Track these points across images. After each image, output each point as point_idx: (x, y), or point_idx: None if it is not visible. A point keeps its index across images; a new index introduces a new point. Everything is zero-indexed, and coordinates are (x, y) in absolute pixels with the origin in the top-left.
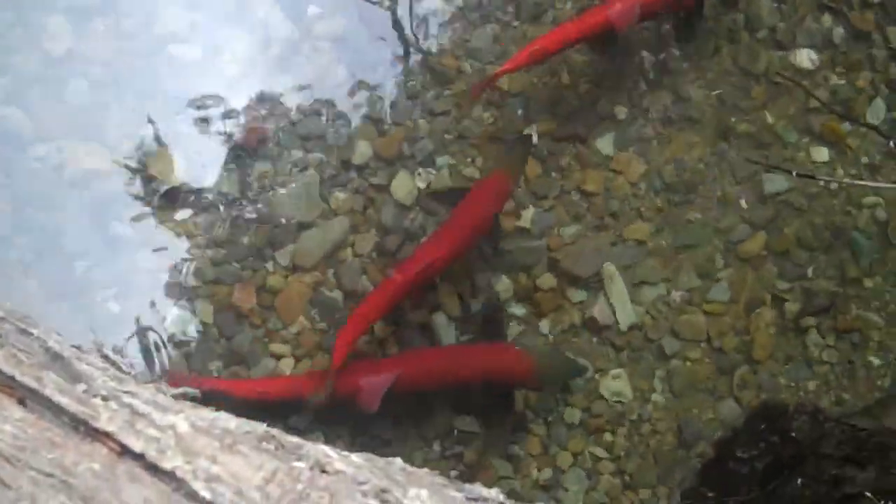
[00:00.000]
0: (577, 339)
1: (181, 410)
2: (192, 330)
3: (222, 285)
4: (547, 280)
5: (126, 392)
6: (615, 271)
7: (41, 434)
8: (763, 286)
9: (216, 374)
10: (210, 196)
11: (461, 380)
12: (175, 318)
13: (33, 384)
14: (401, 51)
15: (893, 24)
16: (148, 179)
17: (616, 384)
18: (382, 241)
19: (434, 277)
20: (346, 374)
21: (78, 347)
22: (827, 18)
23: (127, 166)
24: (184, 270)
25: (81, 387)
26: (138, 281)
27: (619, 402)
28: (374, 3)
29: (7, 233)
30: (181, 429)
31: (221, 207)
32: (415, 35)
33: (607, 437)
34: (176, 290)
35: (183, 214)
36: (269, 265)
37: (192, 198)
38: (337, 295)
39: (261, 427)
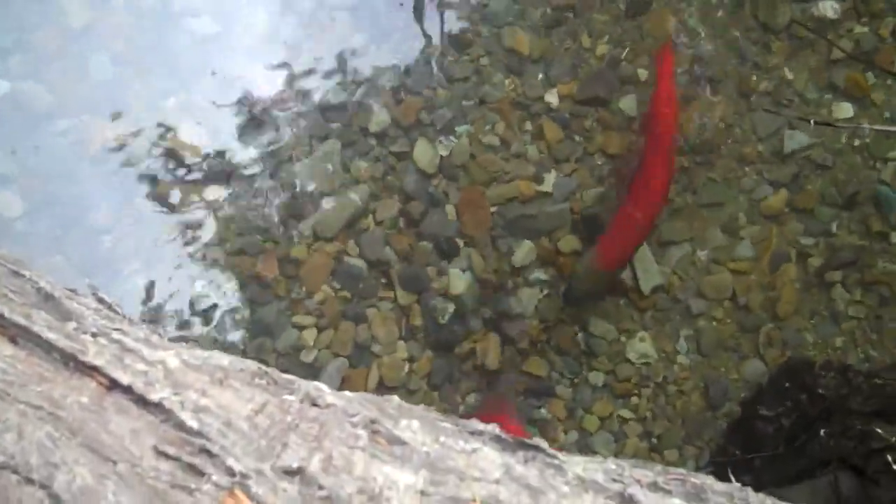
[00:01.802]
0: (602, 301)
1: (172, 348)
2: (218, 301)
3: (246, 256)
4: (570, 242)
5: (116, 329)
6: None
7: (31, 369)
8: (787, 242)
9: (241, 345)
10: (231, 168)
11: None
12: (200, 290)
13: (23, 321)
14: (417, 17)
15: None
16: (169, 153)
17: (641, 346)
18: (405, 208)
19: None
20: None
21: (73, 290)
22: None
23: (151, 138)
24: (208, 242)
25: (72, 324)
26: (163, 254)
27: (646, 363)
28: None
29: (33, 207)
30: (171, 364)
31: (243, 179)
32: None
33: (633, 399)
34: (200, 261)
35: (204, 186)
36: (292, 235)
37: (214, 170)
38: (360, 263)
39: (254, 365)
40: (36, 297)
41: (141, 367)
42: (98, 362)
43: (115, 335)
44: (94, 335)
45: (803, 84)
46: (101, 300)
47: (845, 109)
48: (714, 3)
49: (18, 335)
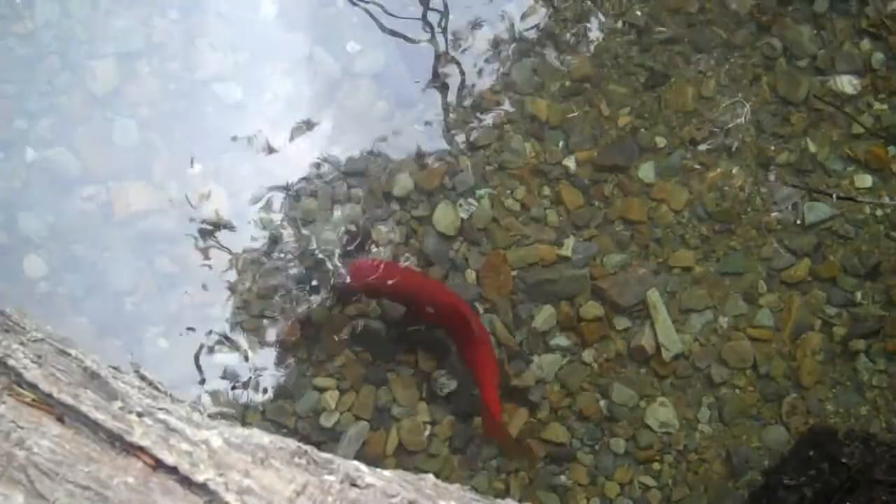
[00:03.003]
0: (623, 369)
1: (215, 427)
2: (239, 364)
3: (267, 319)
4: (591, 309)
5: (161, 409)
6: (659, 299)
7: (78, 449)
8: (811, 311)
9: (260, 409)
10: (255, 232)
11: None
12: (222, 353)
13: (70, 401)
14: (440, 85)
15: None
16: (193, 218)
17: (663, 413)
18: (426, 272)
19: None
20: None
21: (116, 368)
22: (867, 43)
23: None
24: (230, 305)
25: (117, 404)
26: (186, 317)
27: (667, 432)
28: (412, 41)
29: (57, 270)
30: (214, 444)
31: (266, 243)
32: (454, 69)
33: (655, 465)
34: (223, 324)
35: (228, 250)
36: (314, 298)
37: (237, 233)
38: (379, 326)
39: (294, 443)
40: (82, 376)
41: (185, 446)
42: (144, 442)
43: (160, 415)
44: (139, 415)
45: (825, 155)
46: (143, 377)
47: (866, 180)
48: (733, 77)
49: (66, 414)
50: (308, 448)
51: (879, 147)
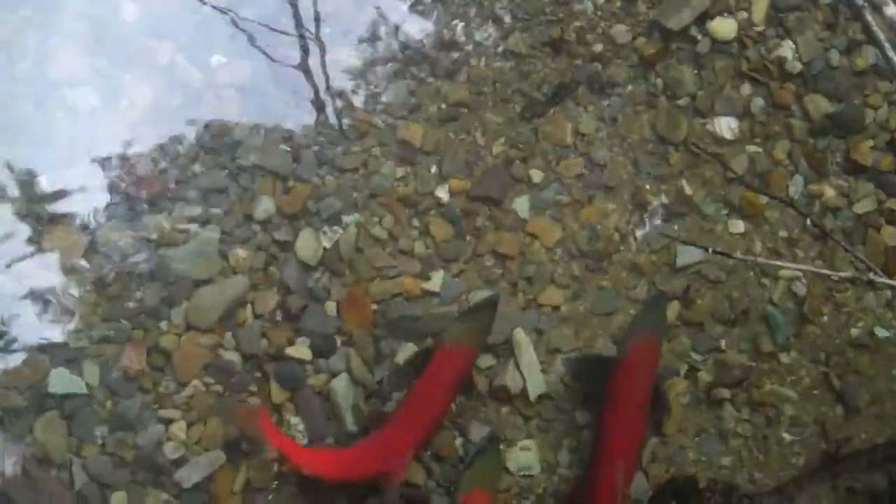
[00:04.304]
0: (484, 408)
1: None
2: (77, 391)
3: (111, 344)
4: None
5: None
6: (525, 337)
7: None
8: (676, 356)
9: (100, 439)
10: (102, 250)
11: None
12: (59, 379)
13: None
14: (310, 103)
15: (813, 94)
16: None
17: (524, 456)
18: (284, 301)
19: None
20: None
21: None
22: (747, 87)
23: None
24: (70, 327)
25: None
26: (20, 336)
27: (527, 475)
28: (281, 56)
29: None
30: None
31: (114, 262)
32: (326, 87)
33: None
34: (61, 348)
35: (73, 267)
36: (163, 324)
37: (84, 251)
38: (234, 357)
39: None
40: None
41: None
42: None
43: None
44: None
45: (700, 198)
46: None
47: (739, 226)
48: (612, 112)
49: None
50: None
51: (752, 193)
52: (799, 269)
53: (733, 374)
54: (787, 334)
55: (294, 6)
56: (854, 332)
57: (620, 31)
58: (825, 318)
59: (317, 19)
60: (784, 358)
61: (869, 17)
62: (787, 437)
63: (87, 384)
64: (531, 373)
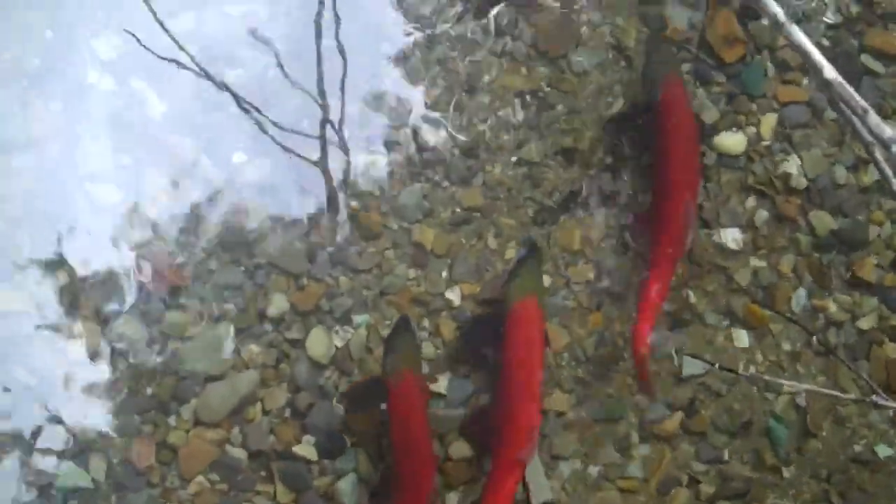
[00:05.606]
0: None
1: None
2: (85, 485)
3: (120, 437)
4: (461, 449)
5: None
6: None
7: None
8: (678, 466)
9: None
10: (117, 343)
11: None
12: (66, 473)
13: None
14: (327, 203)
15: (818, 209)
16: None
17: None
18: (293, 399)
19: None
20: None
21: None
22: (752, 200)
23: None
24: (80, 420)
25: None
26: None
27: None
28: (301, 156)
29: None
30: None
31: (127, 355)
32: (343, 188)
33: None
34: (69, 440)
35: (85, 360)
36: (172, 419)
37: (99, 344)
38: (241, 454)
39: None
40: None
41: None
42: None
43: None
44: None
45: (703, 307)
46: None
47: (743, 338)
48: (621, 220)
49: None
50: None
51: (756, 305)
52: (802, 389)
53: (735, 487)
54: (789, 448)
55: (317, 108)
56: (856, 448)
57: None
58: (827, 434)
59: (340, 122)
60: (786, 472)
61: (878, 155)
62: None
63: (92, 479)
64: (536, 479)
